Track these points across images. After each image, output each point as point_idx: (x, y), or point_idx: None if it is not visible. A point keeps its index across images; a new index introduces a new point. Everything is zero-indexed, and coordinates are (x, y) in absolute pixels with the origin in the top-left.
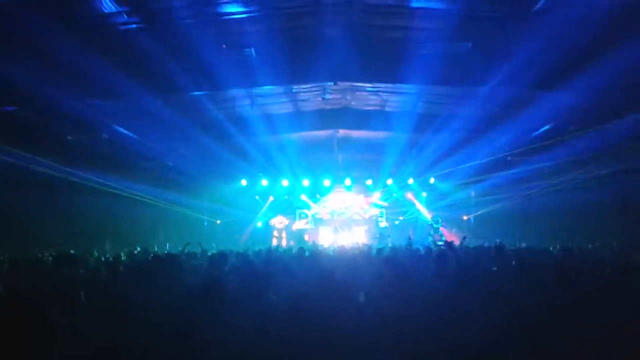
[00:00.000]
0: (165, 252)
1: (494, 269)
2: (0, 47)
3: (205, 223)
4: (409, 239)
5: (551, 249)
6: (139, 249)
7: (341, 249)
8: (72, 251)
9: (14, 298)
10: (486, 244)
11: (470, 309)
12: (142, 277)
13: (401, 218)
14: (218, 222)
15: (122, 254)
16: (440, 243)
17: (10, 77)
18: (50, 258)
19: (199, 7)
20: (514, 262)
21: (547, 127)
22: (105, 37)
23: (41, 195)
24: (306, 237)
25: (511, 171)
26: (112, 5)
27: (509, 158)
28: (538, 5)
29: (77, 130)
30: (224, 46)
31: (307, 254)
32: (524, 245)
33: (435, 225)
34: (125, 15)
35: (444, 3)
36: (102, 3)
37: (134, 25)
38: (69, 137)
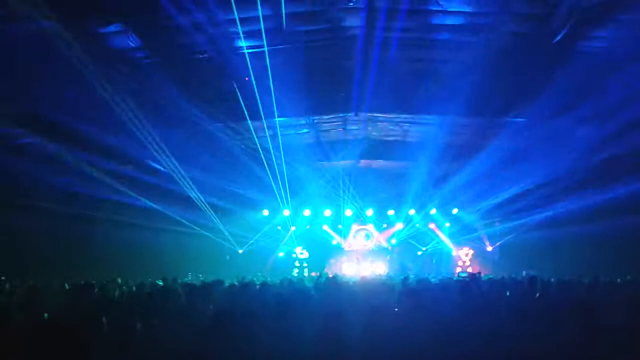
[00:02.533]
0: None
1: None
2: None
3: (227, 252)
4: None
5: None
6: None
7: (363, 280)
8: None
9: None
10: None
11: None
12: None
13: (424, 249)
14: (240, 251)
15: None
16: (463, 275)
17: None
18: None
19: (225, 43)
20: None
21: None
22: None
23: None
24: (327, 269)
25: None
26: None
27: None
28: (558, 38)
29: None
30: (246, 78)
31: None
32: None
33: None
34: (145, 51)
35: (463, 35)
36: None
37: (157, 59)
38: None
